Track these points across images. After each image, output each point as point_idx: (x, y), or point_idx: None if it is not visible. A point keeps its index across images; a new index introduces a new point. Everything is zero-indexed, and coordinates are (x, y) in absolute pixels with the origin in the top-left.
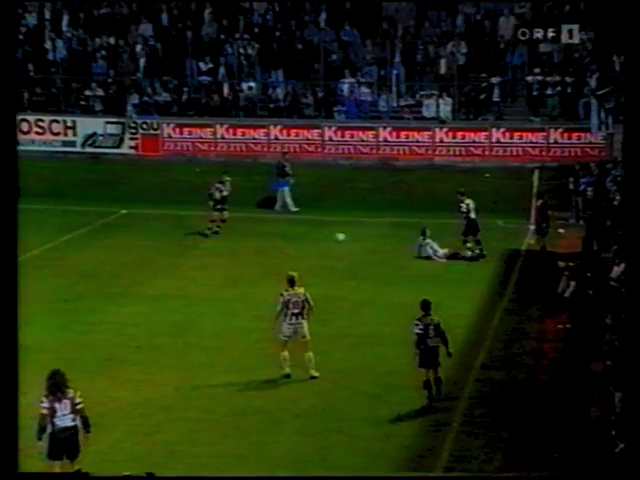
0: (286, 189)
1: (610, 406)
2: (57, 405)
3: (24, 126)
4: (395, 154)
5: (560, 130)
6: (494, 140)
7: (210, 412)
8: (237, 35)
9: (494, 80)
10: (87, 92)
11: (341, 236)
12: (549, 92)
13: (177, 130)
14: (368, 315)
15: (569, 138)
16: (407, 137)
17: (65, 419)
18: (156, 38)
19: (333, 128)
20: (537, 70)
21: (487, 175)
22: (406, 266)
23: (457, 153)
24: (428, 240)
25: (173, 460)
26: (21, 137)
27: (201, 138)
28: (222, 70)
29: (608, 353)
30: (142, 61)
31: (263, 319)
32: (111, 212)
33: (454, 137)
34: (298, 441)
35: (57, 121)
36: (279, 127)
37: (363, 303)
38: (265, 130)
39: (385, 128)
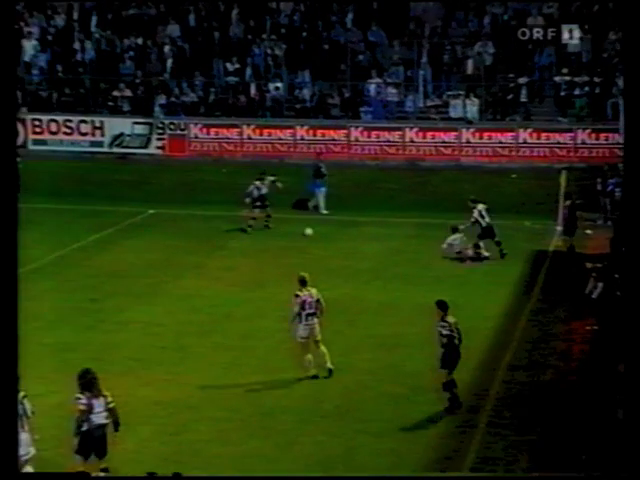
0: (323, 190)
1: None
2: (94, 402)
3: (52, 126)
4: (421, 155)
5: (588, 131)
6: (521, 141)
7: (236, 412)
8: (264, 35)
9: (521, 80)
10: (115, 93)
11: (309, 230)
12: (577, 92)
13: (204, 130)
14: (394, 315)
15: (597, 139)
16: (433, 137)
17: (100, 416)
18: (183, 39)
19: (359, 128)
20: (565, 70)
21: (514, 176)
22: (432, 266)
23: (484, 154)
24: (458, 235)
25: (199, 460)
26: (49, 137)
27: (228, 138)
28: (249, 70)
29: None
30: (169, 62)
31: (289, 320)
32: (138, 212)
33: (481, 138)
34: (324, 441)
35: (85, 121)
36: (305, 127)
37: (389, 303)
38: (291, 130)
39: (412, 129)
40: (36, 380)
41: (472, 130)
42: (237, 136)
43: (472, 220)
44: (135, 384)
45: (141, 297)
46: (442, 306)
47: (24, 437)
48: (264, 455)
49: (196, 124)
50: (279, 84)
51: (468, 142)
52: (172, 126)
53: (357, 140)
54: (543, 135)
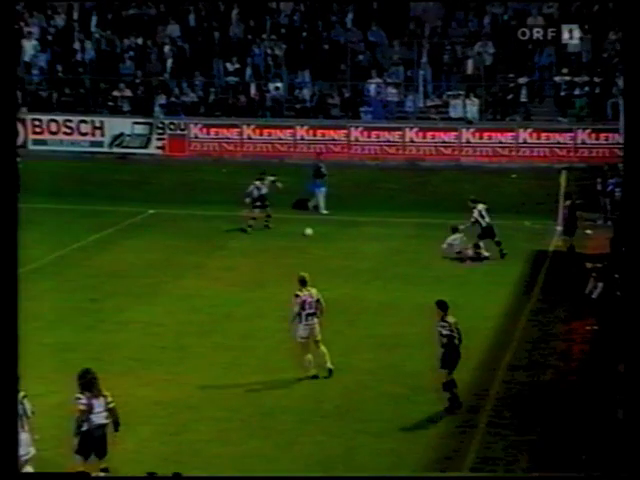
0: (323, 190)
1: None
2: (94, 402)
3: (52, 126)
4: (421, 155)
5: (588, 131)
6: (521, 141)
7: (236, 412)
8: (264, 36)
9: (521, 80)
10: (115, 93)
11: (309, 230)
12: (577, 92)
13: (204, 130)
14: (394, 315)
15: (597, 139)
16: (433, 138)
17: (100, 416)
18: (183, 39)
19: (359, 128)
20: (565, 70)
21: (514, 176)
22: (432, 266)
23: (484, 154)
24: (458, 235)
25: (199, 460)
26: (49, 137)
27: (228, 138)
28: (249, 70)
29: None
30: (169, 62)
31: (289, 320)
32: (138, 212)
33: (481, 138)
34: (324, 441)
35: (85, 121)
36: (305, 127)
37: (389, 303)
38: (291, 130)
39: (412, 129)
40: (36, 380)
41: (472, 130)
42: (237, 136)
43: (472, 220)
44: (135, 384)
45: (141, 297)
46: (442, 306)
47: (24, 437)
48: (264, 455)
49: (196, 124)
50: (279, 84)
51: (468, 142)
52: (172, 126)
53: (357, 140)
54: (543, 135)
